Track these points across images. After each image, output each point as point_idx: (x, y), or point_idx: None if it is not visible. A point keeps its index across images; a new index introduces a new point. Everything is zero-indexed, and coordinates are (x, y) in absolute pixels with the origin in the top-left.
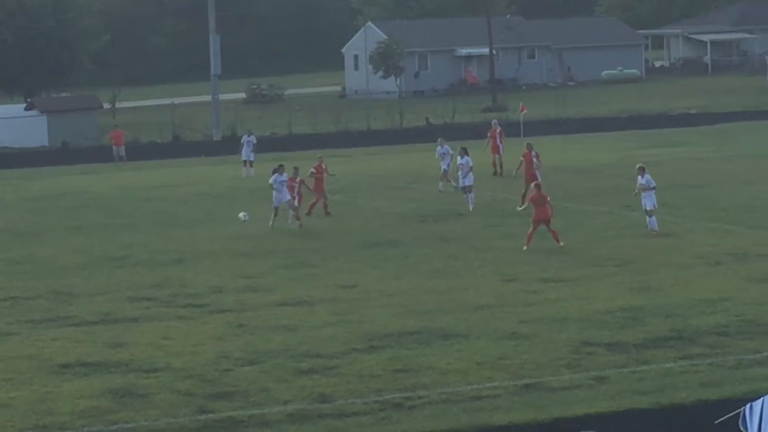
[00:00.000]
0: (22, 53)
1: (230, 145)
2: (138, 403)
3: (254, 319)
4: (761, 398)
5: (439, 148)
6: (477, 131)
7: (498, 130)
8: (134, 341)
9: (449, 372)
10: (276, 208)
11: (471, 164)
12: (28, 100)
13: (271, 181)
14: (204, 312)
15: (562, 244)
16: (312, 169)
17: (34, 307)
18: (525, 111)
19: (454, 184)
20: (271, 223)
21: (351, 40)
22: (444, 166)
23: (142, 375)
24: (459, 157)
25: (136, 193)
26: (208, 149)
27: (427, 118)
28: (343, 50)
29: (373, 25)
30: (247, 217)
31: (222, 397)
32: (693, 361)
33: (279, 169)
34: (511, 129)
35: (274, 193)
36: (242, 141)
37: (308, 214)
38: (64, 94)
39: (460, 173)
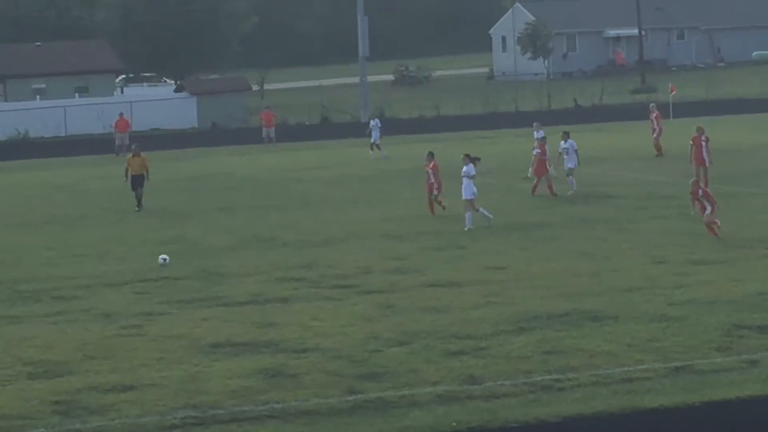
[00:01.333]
0: (171, 36)
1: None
2: (288, 383)
3: (403, 300)
4: None
5: (535, 132)
6: (625, 113)
7: (654, 114)
8: (283, 322)
9: (599, 354)
10: (468, 202)
11: (575, 147)
12: (178, 82)
13: (463, 173)
14: (353, 293)
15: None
16: (537, 149)
17: (185, 287)
18: (674, 92)
19: (552, 171)
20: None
21: (499, 22)
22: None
23: (291, 355)
24: (562, 141)
25: (285, 175)
26: (356, 131)
27: (575, 100)
28: (490, 32)
29: (521, 6)
30: (166, 261)
31: (371, 377)
32: None
33: (465, 159)
34: (661, 110)
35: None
36: (370, 126)
37: (532, 194)
38: (213, 76)
39: (564, 156)
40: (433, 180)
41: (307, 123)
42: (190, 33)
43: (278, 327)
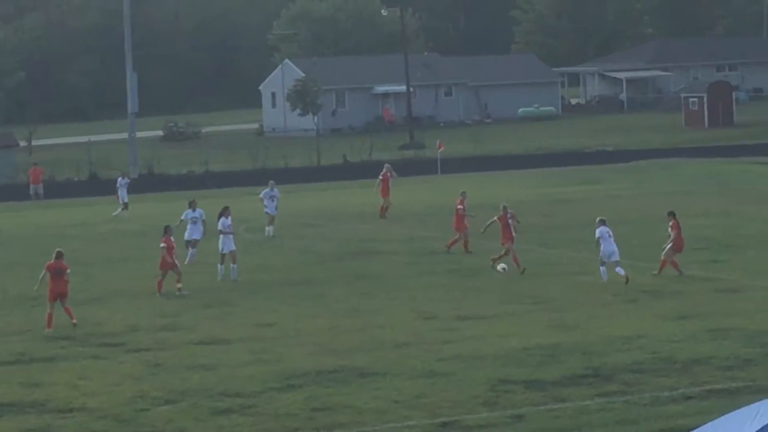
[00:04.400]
0: None
1: (148, 183)
2: None
3: (171, 358)
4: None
5: (268, 190)
6: (394, 169)
7: (388, 174)
8: (50, 381)
9: (366, 411)
10: (223, 255)
11: (203, 217)
12: None
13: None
14: (120, 351)
15: None
16: (458, 206)
17: None
18: (442, 149)
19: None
20: None
21: (268, 78)
22: (272, 210)
23: (57, 415)
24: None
25: (52, 231)
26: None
27: (344, 156)
28: (260, 88)
29: (290, 63)
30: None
31: None
32: (609, 398)
33: (226, 212)
34: (429, 166)
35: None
36: (117, 184)
37: (448, 250)
38: None
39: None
40: (170, 260)
41: (76, 179)
42: None
43: (44, 387)
